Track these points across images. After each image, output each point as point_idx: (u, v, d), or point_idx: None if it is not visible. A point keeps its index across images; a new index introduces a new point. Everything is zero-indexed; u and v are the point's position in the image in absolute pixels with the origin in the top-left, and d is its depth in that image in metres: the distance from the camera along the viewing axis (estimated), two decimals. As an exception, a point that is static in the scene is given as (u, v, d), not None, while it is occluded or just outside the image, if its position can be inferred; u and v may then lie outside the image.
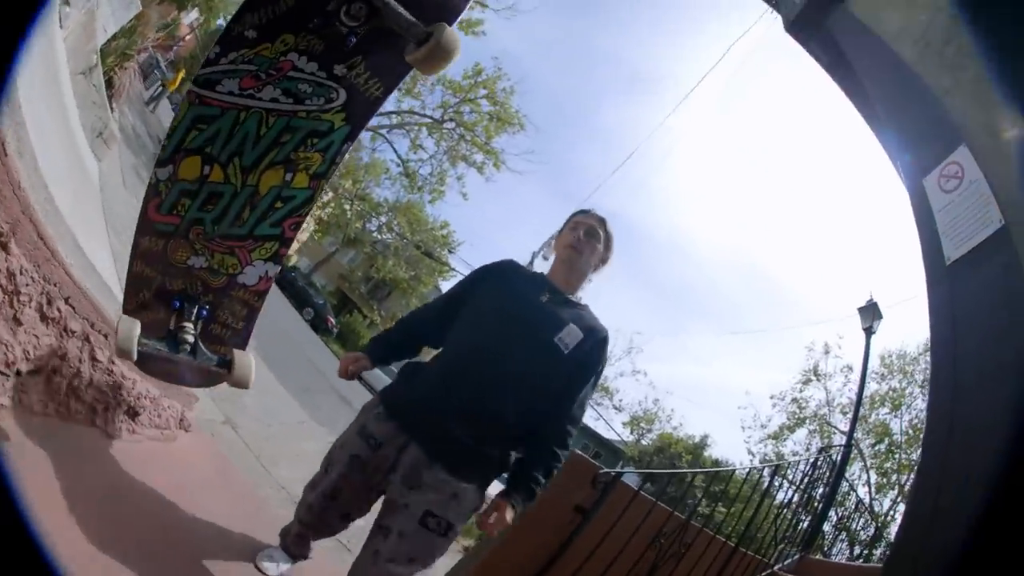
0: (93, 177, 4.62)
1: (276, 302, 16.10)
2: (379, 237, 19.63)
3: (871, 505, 11.55)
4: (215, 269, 0.89)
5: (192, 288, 0.90)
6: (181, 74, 15.26)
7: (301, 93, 0.75)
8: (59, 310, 1.64)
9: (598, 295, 1.79)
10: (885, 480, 12.14)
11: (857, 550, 10.75)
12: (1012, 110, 1.33)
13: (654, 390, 41.67)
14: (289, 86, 0.75)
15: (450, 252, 18.98)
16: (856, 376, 11.14)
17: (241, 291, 0.92)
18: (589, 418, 26.09)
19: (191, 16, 16.54)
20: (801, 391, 15.34)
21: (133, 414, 1.97)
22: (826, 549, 9.69)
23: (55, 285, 1.64)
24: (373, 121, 13.02)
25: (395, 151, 13.34)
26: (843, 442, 5.87)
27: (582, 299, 1.64)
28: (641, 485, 2.89)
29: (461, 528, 1.50)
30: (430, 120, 13.19)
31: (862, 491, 11.86)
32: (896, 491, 11.40)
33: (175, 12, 15.38)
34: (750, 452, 16.02)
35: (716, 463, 21.06)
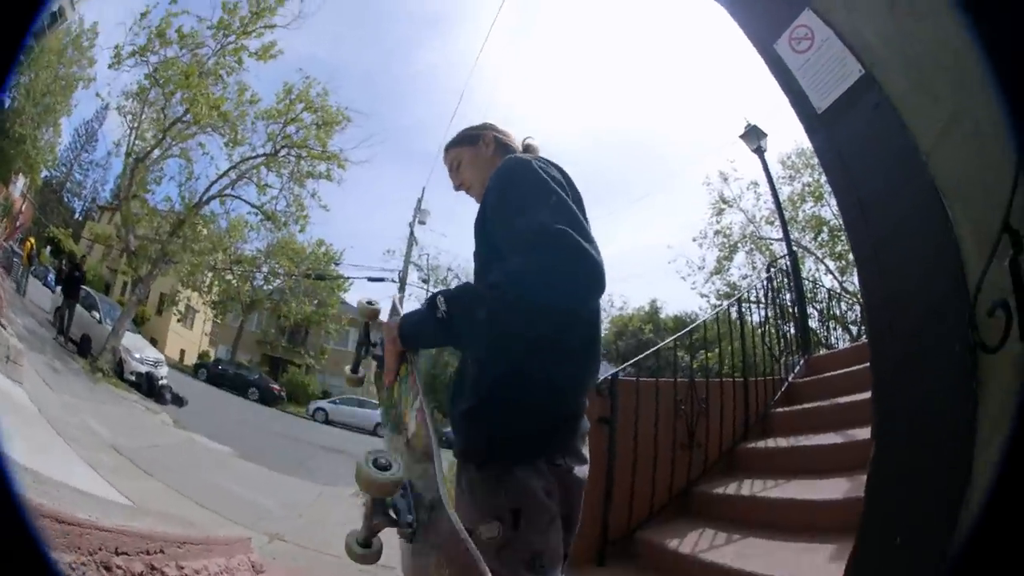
0: (25, 402, 4.46)
1: (220, 399, 15.78)
2: (271, 287, 20.10)
3: (843, 287, 12.48)
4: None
5: None
6: (30, 242, 14.31)
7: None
8: (118, 566, 1.75)
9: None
10: (845, 262, 12.94)
11: (854, 331, 11.70)
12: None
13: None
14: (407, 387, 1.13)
15: (336, 264, 19.60)
16: (765, 188, 11.67)
17: None
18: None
19: (19, 185, 15.39)
20: (719, 222, 15.77)
21: (222, 595, 2.09)
22: (827, 343, 10.53)
23: (100, 549, 1.72)
24: (215, 188, 12.84)
25: (246, 202, 13.21)
26: (784, 251, 6.38)
27: None
28: (636, 374, 3.21)
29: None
30: (264, 156, 13.03)
31: (828, 280, 12.71)
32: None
33: (3, 190, 14.25)
34: (702, 295, 16.59)
35: (677, 319, 21.92)
